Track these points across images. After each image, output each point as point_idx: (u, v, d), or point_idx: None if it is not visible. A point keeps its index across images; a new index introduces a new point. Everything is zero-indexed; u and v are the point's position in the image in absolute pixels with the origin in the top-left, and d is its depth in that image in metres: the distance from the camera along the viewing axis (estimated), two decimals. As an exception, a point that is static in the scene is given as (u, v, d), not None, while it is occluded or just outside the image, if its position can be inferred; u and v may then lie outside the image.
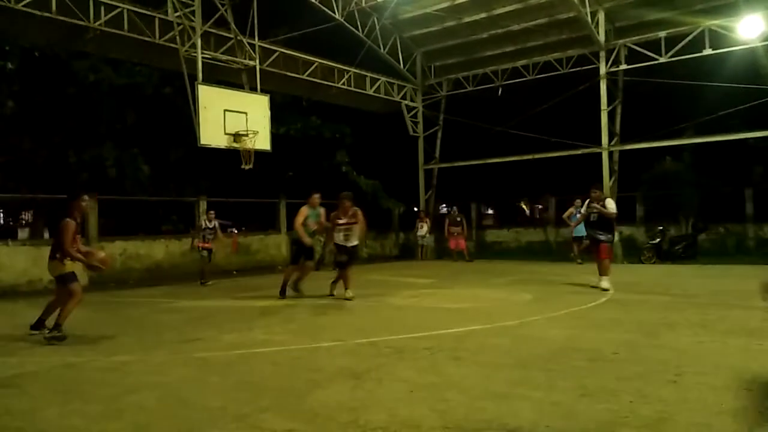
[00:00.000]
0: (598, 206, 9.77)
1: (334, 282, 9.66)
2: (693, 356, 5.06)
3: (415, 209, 20.71)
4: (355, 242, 9.35)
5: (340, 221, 9.24)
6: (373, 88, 18.60)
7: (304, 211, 9.40)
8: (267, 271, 15.24)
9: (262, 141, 13.25)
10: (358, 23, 17.16)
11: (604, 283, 9.63)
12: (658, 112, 18.36)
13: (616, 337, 5.89)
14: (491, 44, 18.28)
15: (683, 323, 6.60)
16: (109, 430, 3.60)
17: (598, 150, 16.93)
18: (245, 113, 12.90)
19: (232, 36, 13.64)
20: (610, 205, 9.82)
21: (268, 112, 13.52)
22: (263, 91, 13.75)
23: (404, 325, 6.99)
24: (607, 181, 16.65)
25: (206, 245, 12.17)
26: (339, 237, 9.29)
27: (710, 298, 8.59)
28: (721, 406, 3.71)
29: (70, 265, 6.26)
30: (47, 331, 6.22)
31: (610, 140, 16.95)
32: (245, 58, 13.76)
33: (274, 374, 4.84)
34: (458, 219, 17.91)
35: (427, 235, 18.96)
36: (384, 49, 18.37)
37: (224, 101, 12.69)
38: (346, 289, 9.30)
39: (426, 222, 19.00)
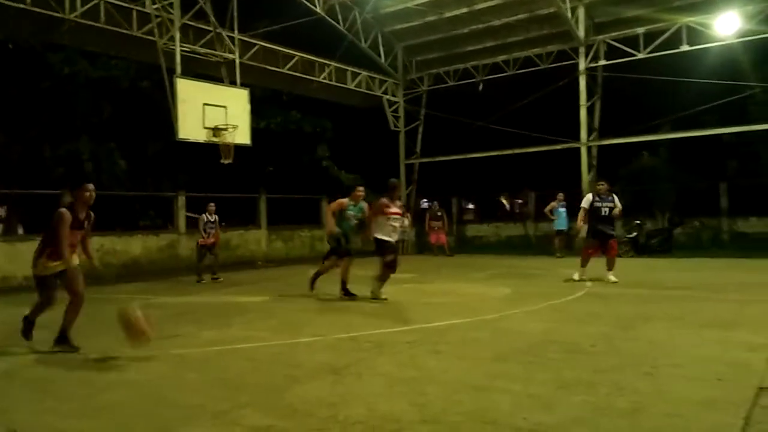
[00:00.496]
0: (611, 202, 9.75)
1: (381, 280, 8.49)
2: (668, 348, 5.14)
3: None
4: (397, 237, 8.39)
5: (391, 210, 8.16)
6: (354, 83, 18.55)
7: (343, 202, 8.78)
8: (247, 267, 15.15)
9: (241, 135, 13.15)
10: (339, 17, 17.09)
11: (613, 276, 9.71)
12: (637, 107, 18.61)
13: (593, 330, 5.96)
14: (472, 39, 18.34)
15: (659, 316, 6.71)
16: (85, 429, 3.55)
17: (577, 145, 17.09)
18: (225, 107, 12.77)
19: (211, 29, 13.49)
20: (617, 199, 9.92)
21: (248, 106, 13.41)
22: (243, 85, 13.63)
23: (384, 319, 7.00)
24: (585, 176, 16.84)
25: (208, 242, 11.70)
26: (386, 229, 8.15)
27: (685, 292, 8.73)
28: (694, 397, 3.77)
29: (52, 267, 5.41)
30: (62, 346, 5.51)
31: (588, 135, 17.13)
32: (225, 52, 13.62)
33: (253, 370, 4.81)
34: (439, 213, 17.97)
35: (408, 230, 18.99)
36: (365, 44, 18.32)
37: (203, 95, 12.56)
38: (380, 285, 8.37)
39: (407, 216, 18.99)
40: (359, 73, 18.64)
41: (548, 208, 16.02)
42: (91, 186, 5.55)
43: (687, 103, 16.39)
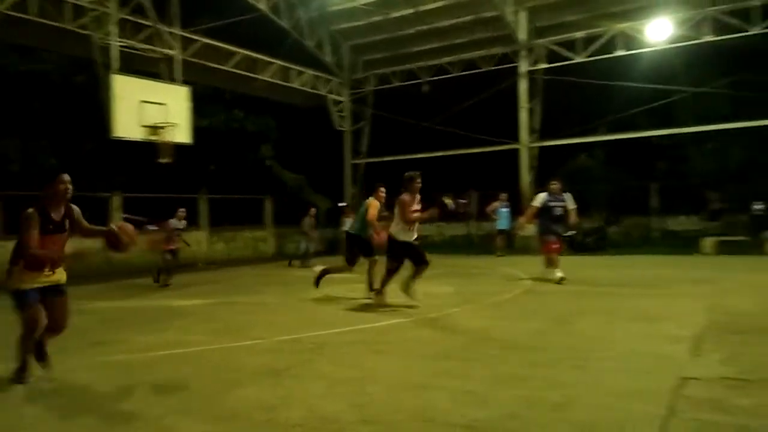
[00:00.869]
0: (564, 202, 9.70)
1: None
2: (600, 342, 5.35)
3: (341, 204, 20.67)
4: (415, 235, 7.69)
5: (413, 208, 7.51)
6: (299, 82, 18.38)
7: (376, 204, 8.37)
8: (187, 269, 14.75)
9: (182, 134, 12.85)
10: (284, 14, 16.90)
11: (558, 273, 9.59)
12: (575, 110, 19.22)
13: (530, 326, 6.14)
14: (418, 40, 18.49)
15: (592, 311, 6.96)
16: (8, 441, 3.40)
17: (517, 146, 17.52)
18: (164, 104, 12.45)
19: (150, 24, 13.09)
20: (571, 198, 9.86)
21: (189, 104, 13.10)
22: (184, 82, 13.30)
23: (327, 320, 6.98)
24: (526, 177, 17.27)
25: (170, 246, 11.39)
26: (406, 228, 7.51)
27: (617, 288, 9.07)
28: (622, 388, 3.94)
29: (28, 280, 4.46)
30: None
31: (529, 137, 17.58)
32: (164, 48, 13.25)
33: (191, 375, 4.69)
34: (385, 214, 18.00)
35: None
36: (311, 42, 18.18)
37: (141, 92, 12.21)
38: (372, 289, 8.07)
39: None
40: (304, 72, 18.48)
41: (491, 207, 16.33)
42: (66, 177, 4.62)
43: (622, 107, 17.10)
